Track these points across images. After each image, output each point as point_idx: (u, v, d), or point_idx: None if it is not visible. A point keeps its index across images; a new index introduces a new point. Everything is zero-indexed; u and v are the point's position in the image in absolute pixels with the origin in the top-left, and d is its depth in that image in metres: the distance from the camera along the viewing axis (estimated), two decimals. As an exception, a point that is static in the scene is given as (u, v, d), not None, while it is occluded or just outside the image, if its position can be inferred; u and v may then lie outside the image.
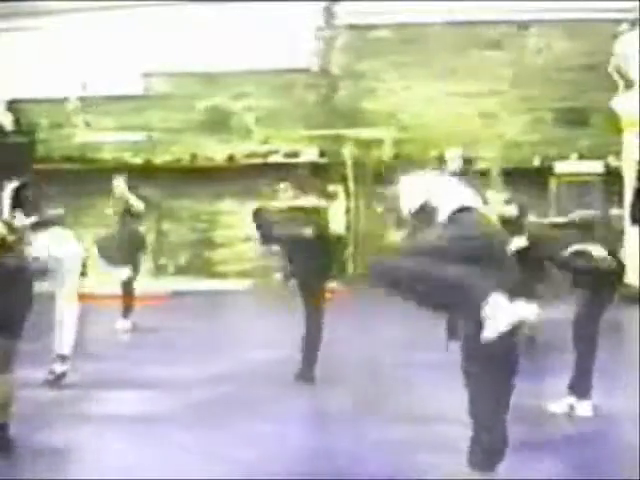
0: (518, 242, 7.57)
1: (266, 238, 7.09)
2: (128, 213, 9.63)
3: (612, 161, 12.34)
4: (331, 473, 4.60)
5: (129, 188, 9.80)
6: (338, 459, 4.82)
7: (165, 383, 6.86)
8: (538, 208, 7.48)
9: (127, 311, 9.45)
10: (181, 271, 12.93)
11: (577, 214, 6.02)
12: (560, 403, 5.63)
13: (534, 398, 5.69)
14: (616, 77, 11.90)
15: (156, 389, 6.75)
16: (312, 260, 6.72)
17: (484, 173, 12.59)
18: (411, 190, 3.92)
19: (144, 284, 10.52)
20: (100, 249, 9.50)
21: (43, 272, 6.11)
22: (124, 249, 9.50)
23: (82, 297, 7.05)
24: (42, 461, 4.85)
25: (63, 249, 6.55)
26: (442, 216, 3.77)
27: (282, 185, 7.30)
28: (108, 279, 10.17)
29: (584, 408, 5.60)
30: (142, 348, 8.70)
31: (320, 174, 12.71)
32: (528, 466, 4.45)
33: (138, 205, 9.61)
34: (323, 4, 13.14)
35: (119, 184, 9.80)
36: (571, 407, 5.60)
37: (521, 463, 4.26)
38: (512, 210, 6.49)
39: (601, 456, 4.93)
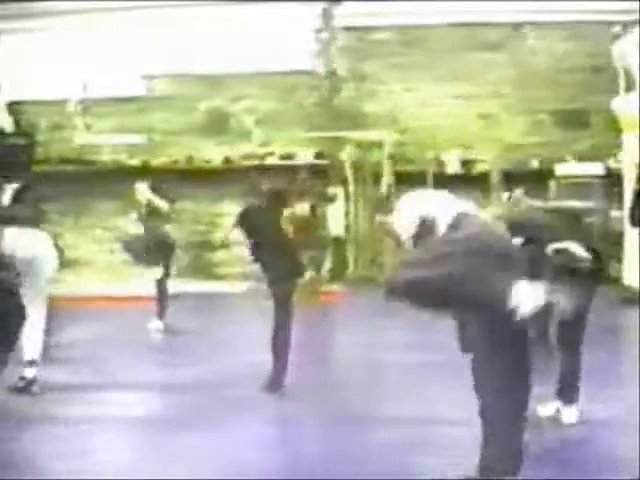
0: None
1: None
2: (154, 215, 9.61)
3: (612, 163, 12.35)
4: (335, 474, 4.60)
5: (152, 190, 9.79)
6: (341, 462, 4.82)
7: (164, 385, 6.87)
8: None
9: (161, 311, 9.48)
10: (181, 273, 12.90)
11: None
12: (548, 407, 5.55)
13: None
14: (622, 78, 11.91)
15: (155, 391, 6.76)
16: (279, 261, 6.55)
17: (484, 175, 12.65)
18: (407, 212, 3.85)
19: (138, 285, 10.50)
20: (129, 250, 9.54)
21: (11, 272, 6.01)
22: (153, 250, 9.48)
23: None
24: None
25: (33, 250, 6.42)
26: (442, 226, 3.72)
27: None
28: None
29: (569, 414, 5.55)
30: (142, 349, 8.71)
31: (320, 176, 12.72)
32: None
33: (163, 206, 9.56)
34: (323, 6, 13.15)
35: (141, 188, 9.75)
36: (558, 411, 5.52)
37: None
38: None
39: (600, 456, 4.95)
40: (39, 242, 6.47)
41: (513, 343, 3.70)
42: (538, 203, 5.76)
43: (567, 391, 5.53)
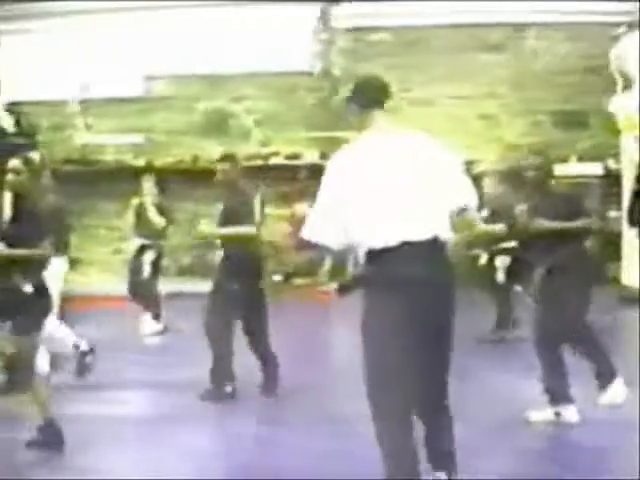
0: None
1: None
2: (145, 223, 9.65)
3: (611, 163, 12.38)
4: (333, 474, 4.63)
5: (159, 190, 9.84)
6: (338, 461, 4.85)
7: (166, 384, 6.91)
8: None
9: (158, 313, 9.58)
10: (183, 272, 12.93)
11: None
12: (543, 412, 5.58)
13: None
14: (618, 79, 11.94)
15: (157, 390, 6.79)
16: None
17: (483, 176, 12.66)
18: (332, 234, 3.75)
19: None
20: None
21: None
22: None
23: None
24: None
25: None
26: (361, 252, 3.71)
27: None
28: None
29: (571, 414, 5.57)
30: (143, 349, 8.74)
31: (320, 176, 12.74)
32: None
33: (158, 222, 9.60)
34: (323, 7, 13.18)
35: (148, 183, 9.77)
36: (557, 414, 5.55)
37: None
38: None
39: (600, 456, 4.98)
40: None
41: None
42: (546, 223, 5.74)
43: (559, 392, 5.57)
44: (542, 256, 5.66)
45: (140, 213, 9.72)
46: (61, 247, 7.00)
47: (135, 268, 9.73)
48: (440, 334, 3.70)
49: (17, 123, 13.46)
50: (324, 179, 3.79)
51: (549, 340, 5.56)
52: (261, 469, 4.91)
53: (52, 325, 6.64)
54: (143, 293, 9.65)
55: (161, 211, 9.68)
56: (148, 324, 9.45)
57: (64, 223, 7.27)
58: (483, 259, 8.63)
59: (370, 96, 3.92)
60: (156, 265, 9.79)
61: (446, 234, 3.68)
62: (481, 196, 8.73)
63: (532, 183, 5.80)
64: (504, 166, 11.69)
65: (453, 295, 3.72)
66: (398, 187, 3.61)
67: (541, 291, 5.70)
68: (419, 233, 3.58)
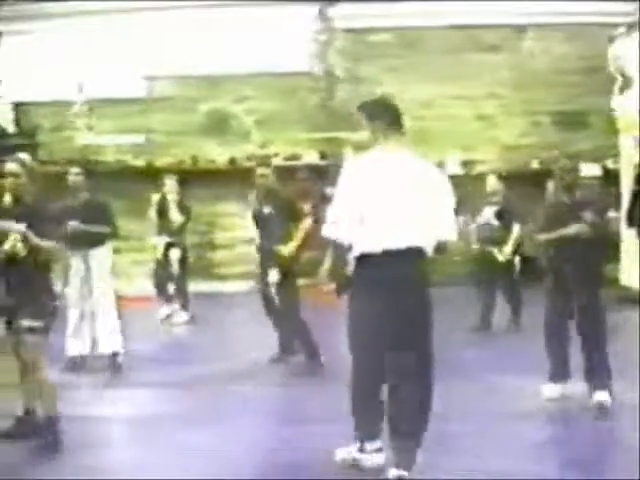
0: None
1: None
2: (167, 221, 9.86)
3: (610, 164, 12.41)
4: (336, 473, 4.68)
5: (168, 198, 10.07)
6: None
7: (166, 383, 6.95)
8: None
9: (186, 304, 10.04)
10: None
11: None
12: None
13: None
14: (616, 79, 11.98)
15: (157, 389, 6.84)
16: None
17: (484, 175, 12.69)
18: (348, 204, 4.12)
19: (145, 285, 10.60)
20: None
21: None
22: None
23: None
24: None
25: None
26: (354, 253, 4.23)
27: None
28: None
29: (602, 396, 5.73)
30: (145, 347, 8.79)
31: (320, 177, 12.78)
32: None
33: (175, 219, 9.81)
34: (322, 7, 13.21)
35: (170, 182, 9.97)
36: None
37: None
38: None
39: (600, 455, 5.02)
40: None
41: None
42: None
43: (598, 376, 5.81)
44: (569, 254, 5.95)
45: (162, 210, 9.99)
46: (109, 236, 7.29)
47: (161, 265, 9.96)
48: (412, 323, 4.17)
49: (18, 123, 13.49)
50: (340, 181, 4.15)
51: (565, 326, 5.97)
52: (265, 467, 4.95)
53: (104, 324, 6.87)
54: (177, 289, 10.06)
55: (181, 209, 9.98)
56: (177, 315, 9.94)
57: (107, 215, 7.47)
58: (500, 256, 8.95)
59: (394, 116, 4.26)
60: (183, 262, 10.03)
61: (427, 247, 4.22)
62: (485, 195, 9.03)
63: (564, 185, 6.24)
64: (507, 166, 11.80)
65: (425, 293, 4.24)
66: (393, 204, 4.04)
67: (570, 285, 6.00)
68: (401, 243, 4.08)
